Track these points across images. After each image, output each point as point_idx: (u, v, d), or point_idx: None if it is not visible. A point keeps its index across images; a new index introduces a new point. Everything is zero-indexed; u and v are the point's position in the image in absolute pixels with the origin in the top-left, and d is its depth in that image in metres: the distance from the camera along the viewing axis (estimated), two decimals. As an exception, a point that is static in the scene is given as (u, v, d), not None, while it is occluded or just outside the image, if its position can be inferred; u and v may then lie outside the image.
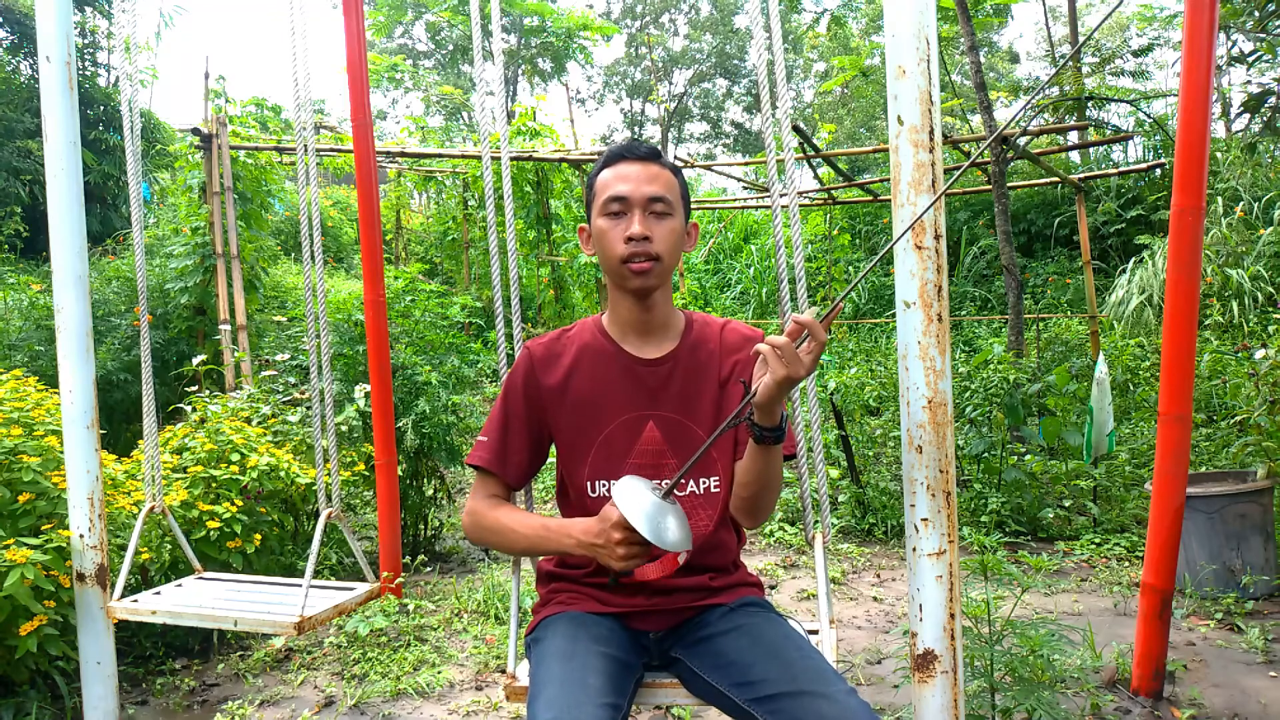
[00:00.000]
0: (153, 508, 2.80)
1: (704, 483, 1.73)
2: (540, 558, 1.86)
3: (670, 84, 29.44)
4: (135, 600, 2.64)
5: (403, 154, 8.01)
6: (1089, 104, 10.86)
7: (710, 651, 1.63)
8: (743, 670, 1.54)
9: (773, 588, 4.19)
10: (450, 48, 23.70)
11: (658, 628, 1.72)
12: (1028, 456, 5.26)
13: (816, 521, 1.89)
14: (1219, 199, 8.36)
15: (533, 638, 1.72)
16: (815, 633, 1.86)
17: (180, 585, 2.82)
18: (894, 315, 1.68)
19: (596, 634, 1.63)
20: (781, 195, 1.88)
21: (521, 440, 1.77)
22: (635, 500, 1.48)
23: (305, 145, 2.69)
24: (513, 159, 7.76)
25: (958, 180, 10.38)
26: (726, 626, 1.65)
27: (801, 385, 1.87)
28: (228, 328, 5.87)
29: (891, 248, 1.49)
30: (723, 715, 1.59)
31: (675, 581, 1.70)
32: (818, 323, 1.34)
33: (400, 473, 4.37)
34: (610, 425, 1.73)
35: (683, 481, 1.65)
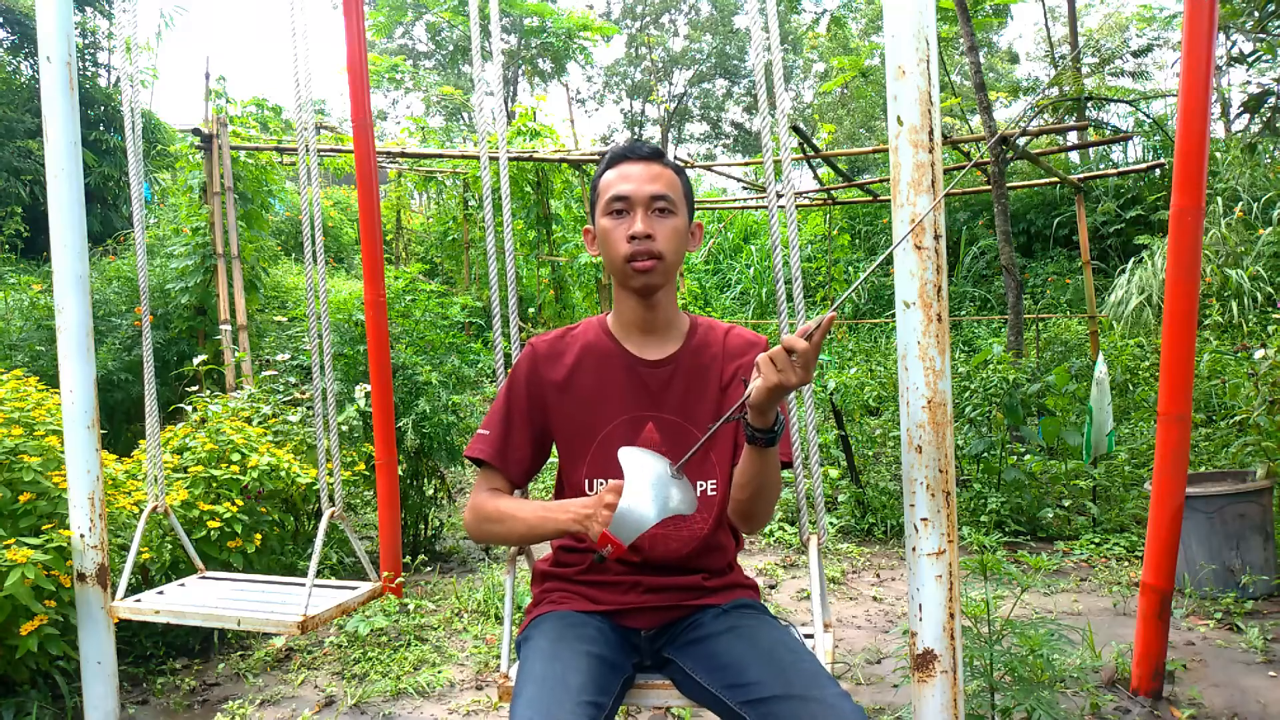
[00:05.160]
0: (155, 507, 2.81)
1: (700, 485, 1.71)
2: (537, 558, 1.86)
3: (670, 84, 29.42)
4: (139, 600, 2.64)
5: (403, 154, 8.01)
6: (1088, 104, 10.85)
7: (704, 653, 1.62)
8: (737, 673, 1.53)
9: (772, 588, 4.19)
10: (450, 48, 23.71)
11: (649, 625, 1.71)
12: (1027, 456, 5.26)
13: (812, 523, 1.89)
14: (1219, 199, 8.36)
15: (523, 637, 1.70)
16: (810, 636, 1.84)
17: (184, 585, 2.83)
18: (894, 315, 1.67)
19: (583, 634, 1.62)
20: (779, 197, 1.89)
21: (523, 435, 1.76)
22: (640, 462, 1.48)
23: (307, 145, 2.69)
24: (513, 159, 7.75)
25: (959, 181, 10.40)
26: (720, 628, 1.65)
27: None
28: (228, 328, 5.87)
29: (892, 251, 1.50)
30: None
31: (669, 580, 1.70)
32: (807, 344, 1.36)
33: (400, 473, 4.37)
34: (610, 424, 1.72)
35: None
